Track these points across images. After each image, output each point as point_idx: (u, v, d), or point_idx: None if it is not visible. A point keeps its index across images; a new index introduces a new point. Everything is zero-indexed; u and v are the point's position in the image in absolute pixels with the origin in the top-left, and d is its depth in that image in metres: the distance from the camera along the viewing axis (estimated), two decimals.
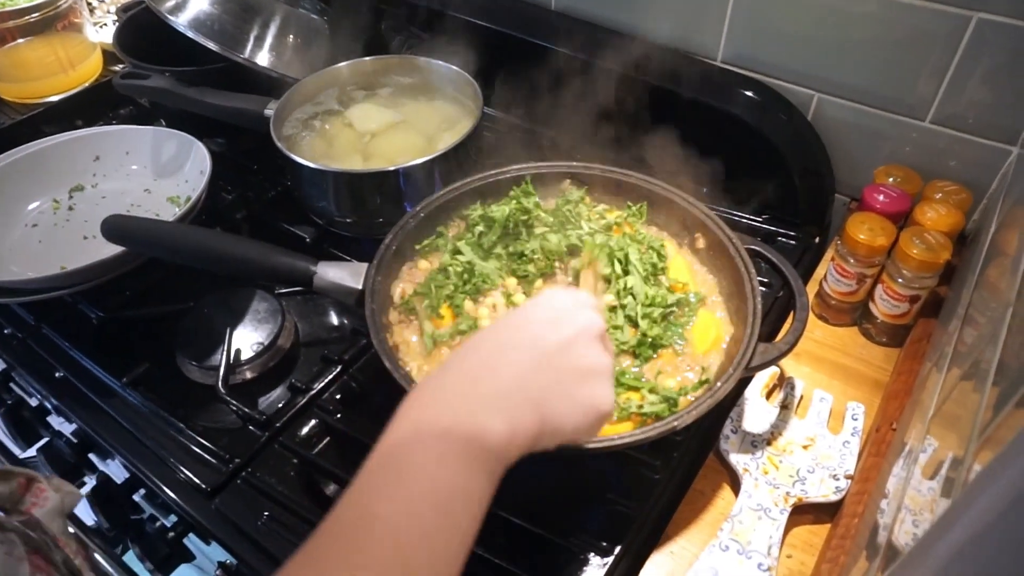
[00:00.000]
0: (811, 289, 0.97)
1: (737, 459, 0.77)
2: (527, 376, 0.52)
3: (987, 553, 0.34)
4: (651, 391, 0.72)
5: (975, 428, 0.41)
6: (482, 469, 0.47)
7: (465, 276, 0.81)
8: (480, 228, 0.86)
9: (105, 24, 1.56)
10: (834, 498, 0.74)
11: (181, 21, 1.08)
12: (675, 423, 0.65)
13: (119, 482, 0.91)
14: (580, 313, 0.57)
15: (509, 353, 0.53)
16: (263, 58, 1.13)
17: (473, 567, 0.69)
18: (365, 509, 0.44)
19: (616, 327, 0.77)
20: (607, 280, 0.81)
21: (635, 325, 0.77)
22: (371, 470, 0.46)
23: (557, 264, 0.85)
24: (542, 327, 0.55)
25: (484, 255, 0.84)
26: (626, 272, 0.80)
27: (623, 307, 0.78)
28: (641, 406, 0.70)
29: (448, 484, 0.45)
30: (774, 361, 0.72)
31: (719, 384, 0.68)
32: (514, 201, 0.87)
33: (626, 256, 0.80)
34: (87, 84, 1.42)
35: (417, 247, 0.86)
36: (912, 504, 0.50)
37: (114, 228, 0.82)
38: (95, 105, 1.37)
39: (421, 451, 0.46)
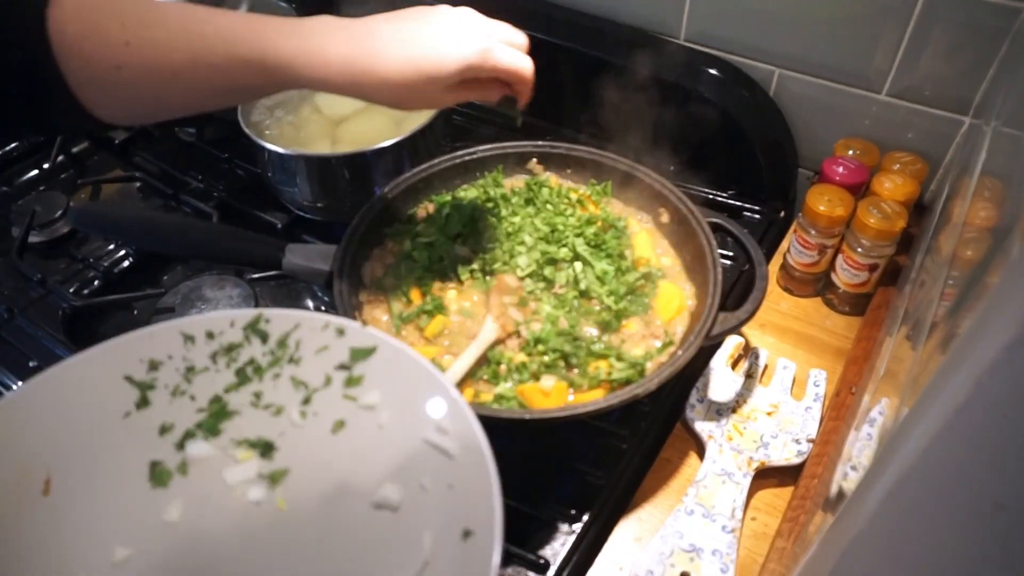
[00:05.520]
0: (777, 263, 0.99)
1: (702, 427, 0.79)
2: (368, 25, 0.60)
3: (915, 492, 0.36)
4: (618, 358, 0.73)
5: (908, 380, 0.43)
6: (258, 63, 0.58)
7: (431, 259, 0.82)
8: (447, 211, 0.87)
9: None
10: (796, 461, 0.76)
11: None
12: (638, 391, 0.67)
13: None
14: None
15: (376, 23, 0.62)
16: None
17: None
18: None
19: (581, 311, 0.79)
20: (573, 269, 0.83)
21: (601, 301, 0.80)
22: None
23: (520, 247, 0.86)
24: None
25: (446, 241, 0.85)
26: (577, 258, 0.82)
27: (587, 292, 0.80)
28: (610, 373, 0.72)
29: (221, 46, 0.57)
30: (734, 329, 0.74)
31: (680, 352, 0.70)
32: (481, 190, 0.88)
33: (573, 246, 0.82)
34: None
35: (387, 231, 0.87)
36: (860, 456, 0.52)
37: (82, 215, 0.83)
38: None
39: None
